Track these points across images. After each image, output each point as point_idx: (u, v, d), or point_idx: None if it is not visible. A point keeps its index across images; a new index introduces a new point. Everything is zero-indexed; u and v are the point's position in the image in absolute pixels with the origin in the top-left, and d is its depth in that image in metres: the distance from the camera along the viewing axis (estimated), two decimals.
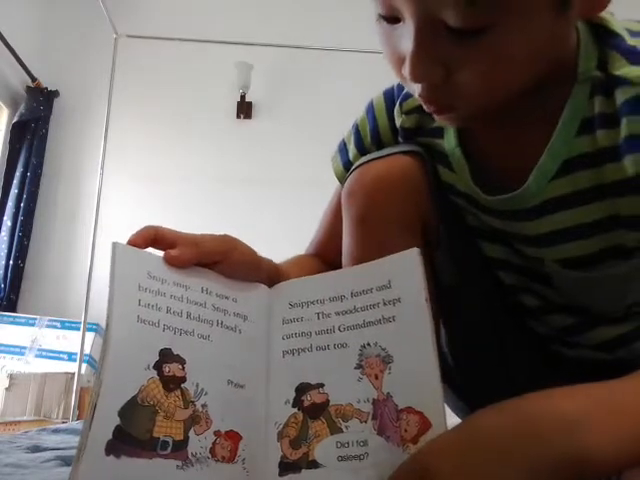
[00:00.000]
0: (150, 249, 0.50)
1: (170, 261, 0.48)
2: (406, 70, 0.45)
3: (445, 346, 0.66)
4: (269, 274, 0.56)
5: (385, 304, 0.45)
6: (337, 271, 0.51)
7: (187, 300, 0.47)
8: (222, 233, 0.55)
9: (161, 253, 0.50)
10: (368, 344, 0.44)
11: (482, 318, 0.64)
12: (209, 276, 0.50)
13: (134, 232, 0.50)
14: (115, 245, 0.46)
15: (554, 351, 0.66)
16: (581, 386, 0.39)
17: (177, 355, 0.44)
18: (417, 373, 0.41)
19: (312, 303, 0.48)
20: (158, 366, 0.42)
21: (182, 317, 0.46)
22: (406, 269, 0.45)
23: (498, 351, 0.65)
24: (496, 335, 0.65)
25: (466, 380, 0.67)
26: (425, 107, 0.50)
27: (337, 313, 0.47)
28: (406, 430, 0.39)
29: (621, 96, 0.48)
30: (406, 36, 0.44)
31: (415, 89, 0.48)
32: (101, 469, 0.37)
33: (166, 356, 0.43)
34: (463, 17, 0.41)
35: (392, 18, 0.45)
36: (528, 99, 0.50)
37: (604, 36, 0.50)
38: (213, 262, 0.51)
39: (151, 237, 0.50)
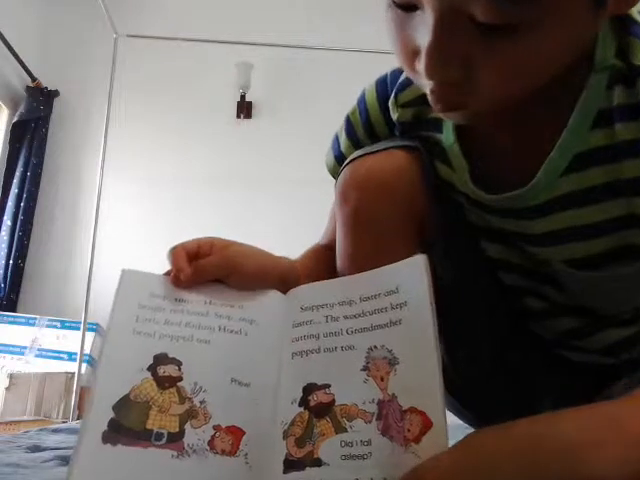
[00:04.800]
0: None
1: (175, 284, 0.51)
2: (421, 64, 0.42)
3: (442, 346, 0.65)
4: (282, 278, 0.55)
5: (393, 308, 0.46)
6: (348, 277, 0.52)
7: (187, 312, 0.49)
8: (225, 244, 0.55)
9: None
10: (375, 347, 0.45)
11: (478, 319, 0.63)
12: (216, 288, 0.52)
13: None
14: (123, 272, 0.50)
15: (557, 355, 0.65)
16: (586, 407, 0.38)
17: (173, 358, 0.45)
18: (420, 374, 0.42)
19: (322, 307, 0.49)
20: (152, 368, 0.44)
21: (180, 326, 0.48)
22: (413, 275, 0.46)
23: (495, 353, 0.64)
24: (493, 336, 0.64)
25: (462, 380, 0.66)
26: (433, 104, 0.46)
27: (345, 317, 0.48)
28: (409, 430, 0.39)
29: None
30: (423, 27, 0.40)
31: (426, 84, 0.44)
32: (99, 456, 0.39)
33: (160, 359, 0.45)
34: (495, 12, 0.37)
35: (408, 6, 0.41)
36: (540, 92, 0.47)
37: (624, 23, 0.47)
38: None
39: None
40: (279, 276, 0.55)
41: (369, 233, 0.57)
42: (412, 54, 0.43)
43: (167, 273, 0.52)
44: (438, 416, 0.39)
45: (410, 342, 0.43)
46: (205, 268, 0.52)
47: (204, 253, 0.53)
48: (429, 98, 0.46)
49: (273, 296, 0.54)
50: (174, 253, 0.52)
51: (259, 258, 0.56)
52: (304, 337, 0.48)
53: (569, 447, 0.34)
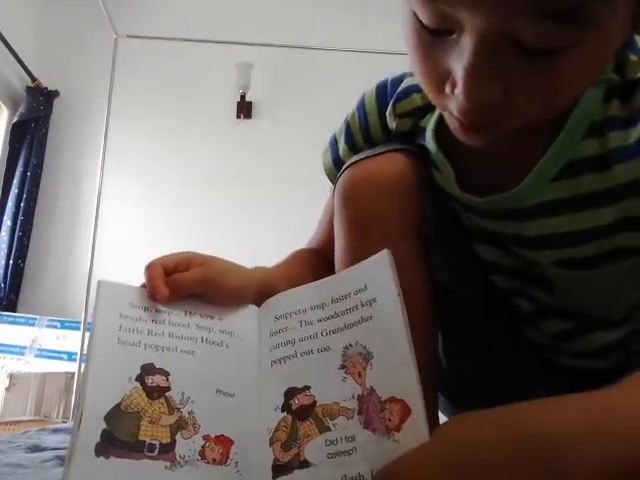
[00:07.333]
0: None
1: (152, 300, 0.51)
2: (458, 88, 0.40)
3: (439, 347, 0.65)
4: (259, 293, 0.56)
5: (363, 305, 0.47)
6: (318, 281, 0.53)
7: (169, 322, 0.49)
8: (203, 259, 0.55)
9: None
10: (350, 345, 0.46)
11: (474, 320, 0.63)
12: (194, 301, 0.53)
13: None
14: (100, 283, 0.50)
15: (548, 358, 0.65)
16: (570, 398, 0.37)
17: (160, 368, 0.45)
18: (395, 364, 0.42)
19: (295, 313, 0.51)
20: (140, 378, 0.44)
21: (164, 337, 0.48)
22: (379, 271, 0.47)
23: (489, 354, 0.64)
24: (488, 338, 0.64)
25: (458, 381, 0.66)
26: (457, 128, 0.44)
27: (319, 320, 0.49)
28: (390, 419, 0.40)
29: None
30: (458, 50, 0.39)
31: (454, 106, 0.42)
32: (92, 469, 0.38)
33: (148, 370, 0.45)
34: (544, 36, 0.36)
35: (442, 30, 0.39)
36: None
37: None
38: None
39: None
40: (256, 292, 0.56)
41: (370, 237, 0.57)
42: (440, 77, 0.42)
43: (144, 285, 0.52)
44: (416, 402, 0.40)
45: (382, 335, 0.44)
46: (184, 284, 0.52)
47: (182, 269, 0.53)
48: (456, 119, 0.44)
49: (249, 309, 0.55)
50: (150, 271, 0.51)
51: (237, 275, 0.56)
52: (281, 344, 0.49)
53: (552, 444, 0.34)
